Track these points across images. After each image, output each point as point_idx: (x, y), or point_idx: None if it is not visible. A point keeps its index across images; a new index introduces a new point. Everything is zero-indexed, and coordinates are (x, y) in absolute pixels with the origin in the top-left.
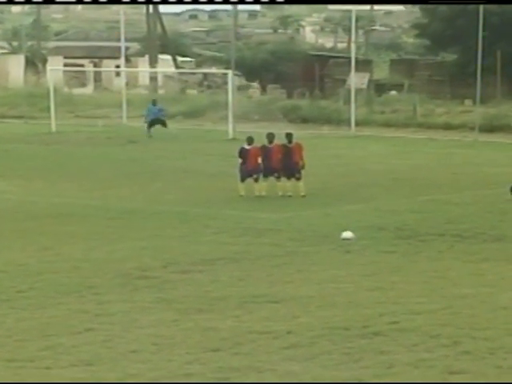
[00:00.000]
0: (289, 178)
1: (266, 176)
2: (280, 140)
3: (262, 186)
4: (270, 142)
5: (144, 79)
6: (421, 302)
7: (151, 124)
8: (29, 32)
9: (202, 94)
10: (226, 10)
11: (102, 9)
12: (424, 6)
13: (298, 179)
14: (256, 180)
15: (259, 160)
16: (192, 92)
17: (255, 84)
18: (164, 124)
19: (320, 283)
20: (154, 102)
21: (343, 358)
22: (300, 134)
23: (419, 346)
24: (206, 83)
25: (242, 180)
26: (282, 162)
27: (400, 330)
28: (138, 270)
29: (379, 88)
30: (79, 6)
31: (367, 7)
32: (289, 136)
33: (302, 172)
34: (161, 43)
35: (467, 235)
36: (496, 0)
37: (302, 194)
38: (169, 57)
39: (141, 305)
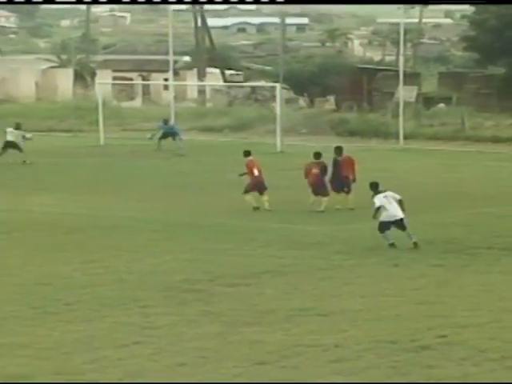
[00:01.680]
0: (338, 191)
1: (337, 191)
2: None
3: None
4: (339, 155)
5: (192, 92)
6: (468, 315)
7: (163, 137)
8: (77, 45)
9: (249, 107)
10: (275, 24)
11: (150, 22)
12: (473, 19)
13: (348, 193)
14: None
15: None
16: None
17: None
18: (174, 137)
19: (367, 296)
20: (166, 122)
21: (390, 372)
22: (348, 147)
23: (467, 360)
24: (253, 96)
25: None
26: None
27: (447, 344)
28: (184, 282)
29: (427, 101)
30: (128, 20)
31: (415, 20)
32: (338, 150)
33: (352, 186)
34: (209, 56)
35: None
36: (496, 0)
37: (351, 207)
38: (217, 70)
39: (187, 318)
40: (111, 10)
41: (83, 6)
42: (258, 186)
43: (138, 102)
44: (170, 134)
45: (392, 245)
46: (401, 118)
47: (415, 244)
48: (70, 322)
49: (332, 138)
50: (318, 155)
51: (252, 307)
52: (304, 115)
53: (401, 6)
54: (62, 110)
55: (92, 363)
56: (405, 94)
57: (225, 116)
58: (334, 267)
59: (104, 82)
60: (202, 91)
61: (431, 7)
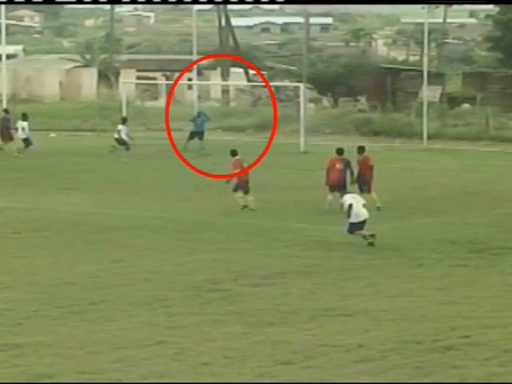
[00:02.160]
0: (361, 191)
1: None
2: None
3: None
4: (361, 154)
5: (216, 92)
6: (493, 316)
7: (191, 137)
8: (101, 45)
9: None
10: (298, 23)
11: (174, 22)
12: (497, 19)
13: (367, 191)
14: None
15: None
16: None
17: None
18: (201, 136)
19: (391, 297)
20: (200, 114)
21: (414, 372)
22: (372, 147)
23: (491, 360)
24: (277, 96)
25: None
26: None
27: (472, 345)
28: (209, 282)
29: (451, 101)
30: (152, 20)
31: (440, 19)
32: (360, 149)
33: (372, 184)
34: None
35: None
36: (496, 0)
37: (378, 205)
38: (241, 70)
39: (212, 318)
40: (135, 10)
41: (107, 6)
42: (243, 186)
43: (161, 102)
44: (197, 133)
45: (371, 244)
46: (425, 118)
47: (370, 243)
48: (94, 321)
49: (356, 137)
50: (340, 151)
51: (276, 307)
52: (328, 115)
53: (425, 5)
54: (86, 110)
55: (116, 363)
56: (429, 93)
57: (249, 116)
58: (358, 267)
59: (128, 81)
60: (225, 91)
61: (455, 7)
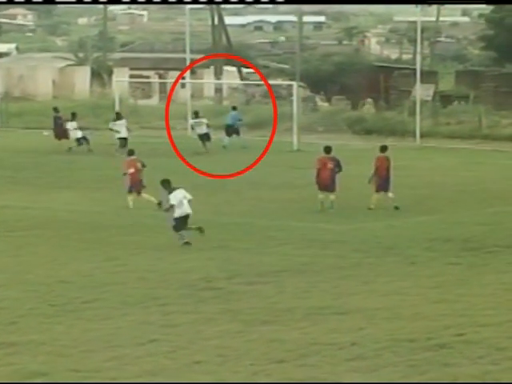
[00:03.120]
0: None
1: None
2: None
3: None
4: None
5: (209, 91)
6: (487, 314)
7: (228, 133)
8: (95, 43)
9: (266, 105)
10: (291, 22)
11: (167, 20)
12: (490, 18)
13: (385, 190)
14: None
15: None
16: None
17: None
18: (237, 133)
19: (385, 295)
20: (235, 108)
21: (408, 371)
22: (364, 145)
23: (485, 358)
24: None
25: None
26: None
27: (466, 343)
28: (203, 281)
29: (444, 99)
30: (145, 18)
31: (433, 18)
32: (383, 149)
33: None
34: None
35: None
36: (496, 0)
37: (395, 204)
38: (234, 68)
39: (206, 316)
40: (129, 8)
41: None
42: (137, 186)
43: (154, 100)
44: (233, 129)
45: (187, 243)
46: (418, 117)
47: (187, 243)
48: (89, 319)
49: (349, 136)
50: (328, 149)
51: (270, 305)
52: (321, 113)
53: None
54: (79, 108)
55: (110, 361)
56: (422, 92)
57: (242, 114)
58: (352, 266)
59: (121, 79)
60: (218, 89)
61: (448, 5)
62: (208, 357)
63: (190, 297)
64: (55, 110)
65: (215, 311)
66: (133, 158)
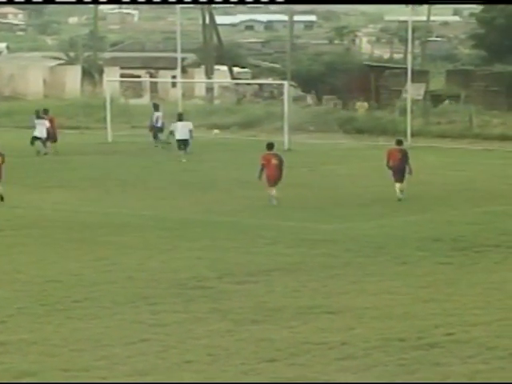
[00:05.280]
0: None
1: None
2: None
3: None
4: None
5: (200, 90)
6: (476, 313)
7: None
8: (85, 43)
9: (257, 104)
10: (282, 21)
11: (158, 20)
12: (481, 17)
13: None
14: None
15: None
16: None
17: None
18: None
19: (375, 294)
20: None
21: (398, 370)
22: (355, 144)
23: (475, 357)
24: (261, 94)
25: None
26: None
27: (456, 342)
28: (192, 280)
29: (435, 99)
30: (136, 17)
31: (423, 17)
32: (399, 142)
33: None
34: (217, 54)
35: None
36: (496, 0)
37: (400, 196)
38: (225, 67)
39: (196, 315)
40: (119, 8)
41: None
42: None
43: (145, 100)
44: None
45: None
46: (408, 116)
47: None
48: (79, 319)
49: (340, 135)
50: (271, 146)
51: (260, 305)
52: (312, 113)
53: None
54: (69, 108)
55: (100, 360)
56: (413, 91)
57: (233, 113)
58: (342, 265)
59: (112, 79)
60: (209, 89)
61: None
62: (198, 356)
63: (179, 296)
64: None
65: (205, 310)
66: None
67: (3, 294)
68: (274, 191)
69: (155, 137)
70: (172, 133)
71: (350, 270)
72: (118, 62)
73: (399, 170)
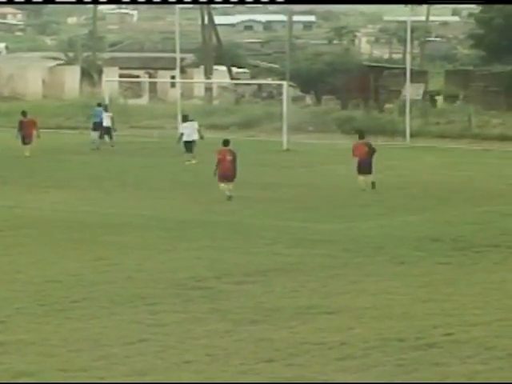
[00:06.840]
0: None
1: None
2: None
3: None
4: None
5: (199, 90)
6: (476, 313)
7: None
8: (84, 43)
9: (256, 104)
10: (281, 21)
11: (157, 20)
12: (480, 17)
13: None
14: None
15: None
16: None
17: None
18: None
19: (374, 294)
20: (100, 105)
21: (397, 370)
22: None
23: (474, 357)
24: (260, 94)
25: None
26: None
27: (455, 342)
28: (191, 280)
29: (434, 99)
30: (135, 17)
31: (422, 17)
32: (361, 136)
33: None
34: (216, 54)
35: None
36: (496, 0)
37: (363, 187)
38: (224, 68)
39: (194, 315)
40: (118, 8)
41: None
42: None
43: (144, 100)
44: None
45: None
46: (407, 116)
47: None
48: (77, 319)
49: (338, 135)
50: (227, 142)
51: (259, 305)
52: (311, 113)
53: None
54: (69, 108)
55: (99, 360)
56: (412, 91)
57: (232, 114)
58: (341, 265)
59: (111, 79)
60: (208, 89)
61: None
62: (197, 356)
63: (178, 296)
64: (23, 113)
65: (204, 310)
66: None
67: (2, 294)
68: (230, 186)
69: (101, 137)
70: (182, 135)
71: (349, 270)
72: (117, 62)
73: (365, 163)
